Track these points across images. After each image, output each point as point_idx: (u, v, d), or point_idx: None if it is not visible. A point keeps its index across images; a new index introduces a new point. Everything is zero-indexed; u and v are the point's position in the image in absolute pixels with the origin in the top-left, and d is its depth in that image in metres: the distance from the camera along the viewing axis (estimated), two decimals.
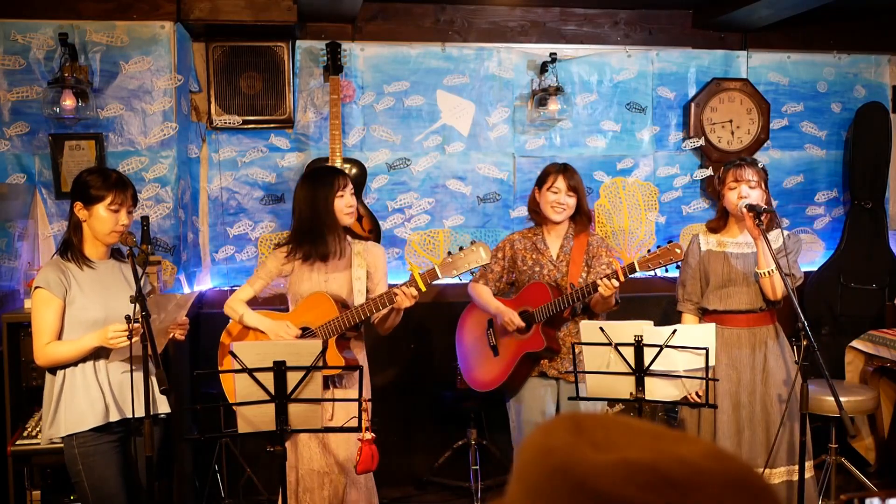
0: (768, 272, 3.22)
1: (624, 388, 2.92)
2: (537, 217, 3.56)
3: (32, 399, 3.43)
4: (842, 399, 3.04)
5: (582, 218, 3.50)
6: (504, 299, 3.53)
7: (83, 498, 2.83)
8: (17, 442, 3.35)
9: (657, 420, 4.39)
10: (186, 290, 4.15)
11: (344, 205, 3.23)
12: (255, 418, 2.65)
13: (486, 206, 4.78)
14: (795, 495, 3.14)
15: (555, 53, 4.64)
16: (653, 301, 4.67)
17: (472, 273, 3.37)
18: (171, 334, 2.92)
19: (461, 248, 3.12)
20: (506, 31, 4.78)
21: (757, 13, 4.54)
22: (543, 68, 4.66)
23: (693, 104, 4.87)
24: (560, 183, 3.43)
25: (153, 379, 2.81)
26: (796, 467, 3.18)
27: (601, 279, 3.16)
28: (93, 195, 2.83)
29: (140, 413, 2.70)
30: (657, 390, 2.91)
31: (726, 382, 3.32)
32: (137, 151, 4.08)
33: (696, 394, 3.07)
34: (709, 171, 4.90)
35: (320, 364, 2.63)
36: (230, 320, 3.31)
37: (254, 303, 3.36)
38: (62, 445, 2.84)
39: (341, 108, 4.39)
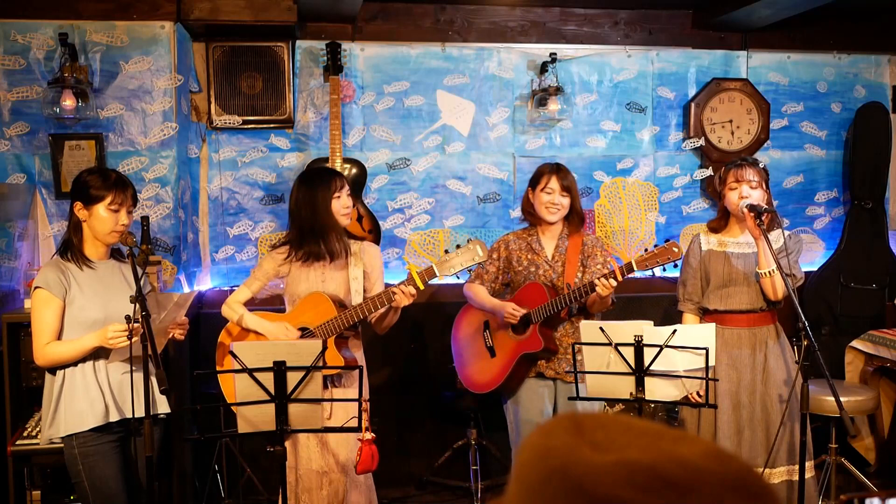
0: (769, 272, 3.21)
1: (624, 388, 2.92)
2: (532, 218, 3.56)
3: (32, 399, 3.43)
4: (842, 399, 3.03)
5: (574, 218, 3.50)
6: (501, 300, 3.52)
7: (83, 498, 2.83)
8: (17, 442, 3.35)
9: (657, 420, 4.39)
10: (186, 290, 4.14)
11: (341, 206, 3.24)
12: (255, 418, 2.65)
13: (486, 206, 4.77)
14: (795, 495, 3.14)
15: (555, 53, 4.64)
16: (653, 301, 4.67)
17: (469, 271, 3.38)
18: (171, 334, 2.92)
19: (458, 247, 3.12)
20: (506, 31, 4.78)
21: (757, 13, 4.54)
22: (543, 68, 4.66)
23: (693, 104, 4.87)
24: (553, 183, 3.43)
25: (153, 379, 2.81)
26: (796, 467, 3.18)
27: (599, 279, 3.16)
28: (93, 195, 2.84)
29: (140, 413, 2.70)
30: (657, 390, 2.91)
31: (726, 382, 3.32)
32: (137, 151, 4.08)
33: (697, 393, 3.07)
34: (709, 171, 4.90)
35: (320, 364, 2.63)
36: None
37: (251, 303, 3.37)
38: (62, 445, 2.84)
39: (341, 108, 4.39)
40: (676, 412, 3.66)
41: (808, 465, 3.24)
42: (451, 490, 4.52)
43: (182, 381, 3.87)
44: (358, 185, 4.45)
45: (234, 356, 2.59)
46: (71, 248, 2.88)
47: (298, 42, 4.52)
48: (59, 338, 2.81)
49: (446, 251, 3.14)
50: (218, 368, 3.29)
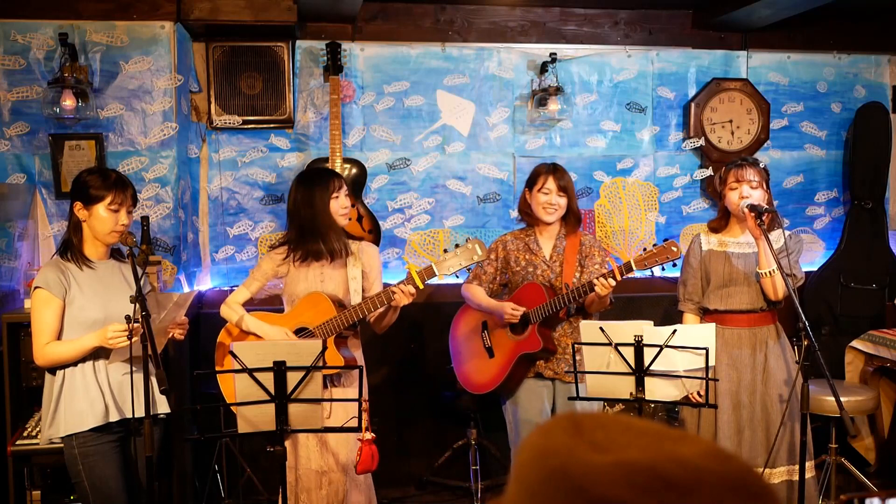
0: (769, 272, 3.21)
1: (624, 388, 2.92)
2: (529, 218, 3.56)
3: (32, 399, 3.43)
4: (842, 399, 3.03)
5: (571, 218, 3.50)
6: (499, 300, 3.52)
7: (83, 498, 2.83)
8: (17, 442, 3.35)
9: (657, 420, 4.39)
10: (186, 290, 4.14)
11: (339, 206, 3.24)
12: (255, 418, 2.65)
13: (486, 206, 4.77)
14: (796, 495, 3.14)
15: (555, 53, 4.64)
16: (653, 301, 4.67)
17: (468, 270, 3.38)
18: (171, 334, 2.92)
19: (457, 246, 3.12)
20: (506, 31, 4.78)
21: (757, 13, 4.54)
22: (543, 68, 4.66)
23: (693, 104, 4.87)
24: (550, 184, 3.43)
25: (153, 379, 2.81)
26: (796, 467, 3.18)
27: (598, 278, 3.16)
28: (92, 195, 2.84)
29: (140, 413, 2.70)
30: (657, 390, 2.91)
31: (727, 382, 3.31)
32: (137, 151, 4.08)
33: (698, 393, 3.07)
34: (709, 171, 4.90)
35: (320, 364, 2.63)
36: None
37: (249, 304, 3.37)
38: (62, 445, 2.84)
39: (341, 108, 4.39)
40: (676, 412, 3.66)
41: (809, 465, 3.24)
42: (451, 490, 4.52)
43: (182, 381, 3.87)
44: (358, 185, 4.45)
45: (234, 356, 2.59)
46: (71, 248, 2.88)
47: (298, 42, 4.52)
48: (59, 338, 2.81)
49: (445, 251, 3.14)
50: (217, 368, 3.29)
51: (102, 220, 2.85)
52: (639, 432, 0.66)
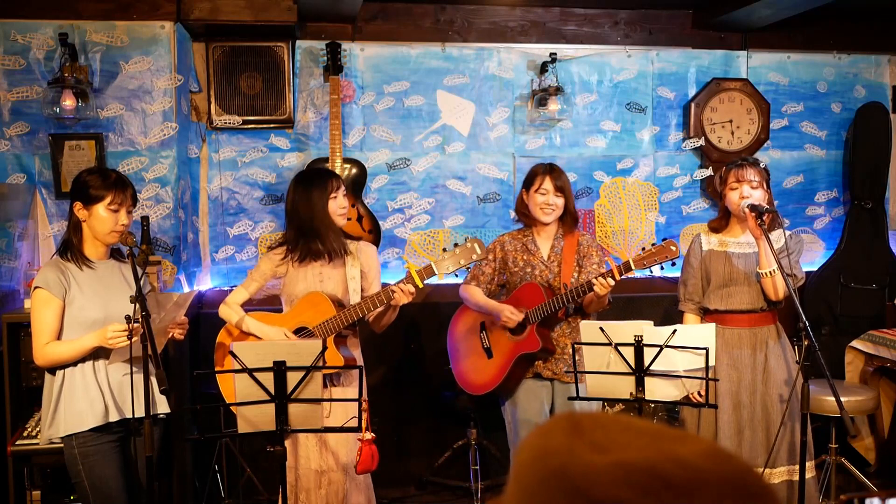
0: (770, 272, 3.21)
1: (624, 388, 2.92)
2: (526, 219, 3.56)
3: (32, 399, 3.43)
4: (842, 399, 3.03)
5: (568, 218, 3.49)
6: (497, 301, 3.52)
7: (83, 498, 2.83)
8: (17, 442, 3.35)
9: (657, 420, 4.39)
10: (186, 290, 4.14)
11: (337, 206, 3.24)
12: (255, 418, 2.65)
13: (486, 206, 4.77)
14: (796, 495, 3.14)
15: (555, 53, 4.64)
16: (653, 301, 4.67)
17: (467, 269, 3.38)
18: (171, 334, 2.92)
19: (456, 245, 3.13)
20: (506, 31, 4.78)
21: (757, 13, 4.54)
22: (543, 68, 4.66)
23: (693, 104, 4.87)
24: (547, 184, 3.43)
25: (153, 379, 2.81)
26: (797, 467, 3.18)
27: (597, 278, 3.16)
28: (92, 195, 2.83)
29: (140, 413, 2.70)
30: (657, 390, 2.91)
31: (727, 382, 3.31)
32: (137, 151, 4.08)
33: (698, 393, 3.07)
34: (709, 171, 4.90)
35: (320, 364, 2.63)
36: None
37: (248, 304, 3.37)
38: (62, 445, 2.84)
39: (341, 108, 4.39)
40: (677, 412, 3.66)
41: (809, 465, 3.24)
42: (451, 490, 4.52)
43: (182, 381, 3.87)
44: (358, 185, 4.45)
45: (234, 356, 2.59)
46: (71, 248, 2.88)
47: (298, 42, 4.52)
48: (58, 338, 2.81)
49: (444, 250, 3.14)
50: (217, 369, 3.29)
51: (102, 220, 2.85)
52: (638, 432, 0.66)
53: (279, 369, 2.59)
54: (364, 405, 2.92)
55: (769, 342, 3.34)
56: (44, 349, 2.78)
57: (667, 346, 2.84)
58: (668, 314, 4.31)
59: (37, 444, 3.25)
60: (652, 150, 4.92)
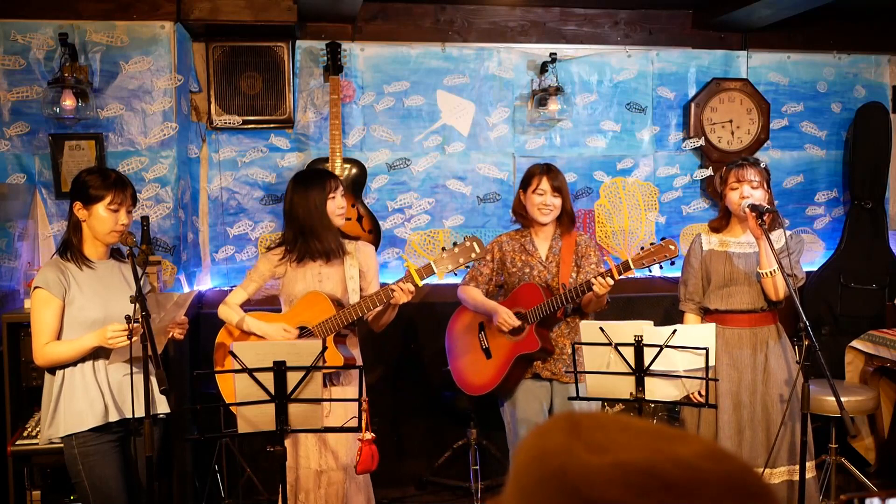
0: (770, 272, 3.21)
1: (624, 388, 2.91)
2: (523, 220, 3.55)
3: (32, 399, 3.43)
4: (842, 399, 3.03)
5: (565, 219, 3.49)
6: (495, 301, 3.51)
7: (83, 498, 2.83)
8: (17, 442, 3.35)
9: (657, 420, 4.39)
10: (186, 290, 4.14)
11: (335, 207, 3.24)
12: (255, 418, 2.65)
13: (486, 206, 4.77)
14: (796, 495, 3.14)
15: (555, 53, 4.64)
16: (653, 301, 4.67)
17: (467, 268, 3.38)
18: (171, 333, 2.92)
19: (455, 244, 3.13)
20: (506, 31, 4.78)
21: (757, 13, 4.54)
22: (543, 68, 4.66)
23: (693, 104, 4.87)
24: (545, 184, 3.42)
25: (153, 379, 2.81)
26: (797, 467, 3.18)
27: (596, 277, 3.16)
28: (92, 195, 2.83)
29: (140, 413, 2.70)
30: (657, 390, 2.91)
31: (727, 382, 3.31)
32: (137, 151, 4.08)
33: (699, 393, 3.07)
34: (709, 171, 4.90)
35: (320, 363, 2.63)
36: None
37: (246, 304, 3.37)
38: (62, 445, 2.84)
39: (341, 108, 4.39)
40: (677, 412, 3.66)
41: (809, 465, 3.24)
42: (451, 490, 4.52)
43: (182, 381, 3.87)
44: (358, 185, 4.45)
45: (234, 356, 2.59)
46: (70, 248, 2.88)
47: (298, 42, 4.52)
48: (58, 338, 2.81)
49: (443, 249, 3.14)
50: (217, 369, 3.29)
51: (102, 219, 2.85)
52: (637, 432, 0.66)
53: (279, 369, 2.59)
54: (364, 405, 2.92)
55: (769, 342, 3.34)
56: (43, 349, 2.78)
57: (667, 346, 2.84)
58: (668, 314, 4.31)
59: (37, 444, 3.25)
60: (652, 150, 4.92)
